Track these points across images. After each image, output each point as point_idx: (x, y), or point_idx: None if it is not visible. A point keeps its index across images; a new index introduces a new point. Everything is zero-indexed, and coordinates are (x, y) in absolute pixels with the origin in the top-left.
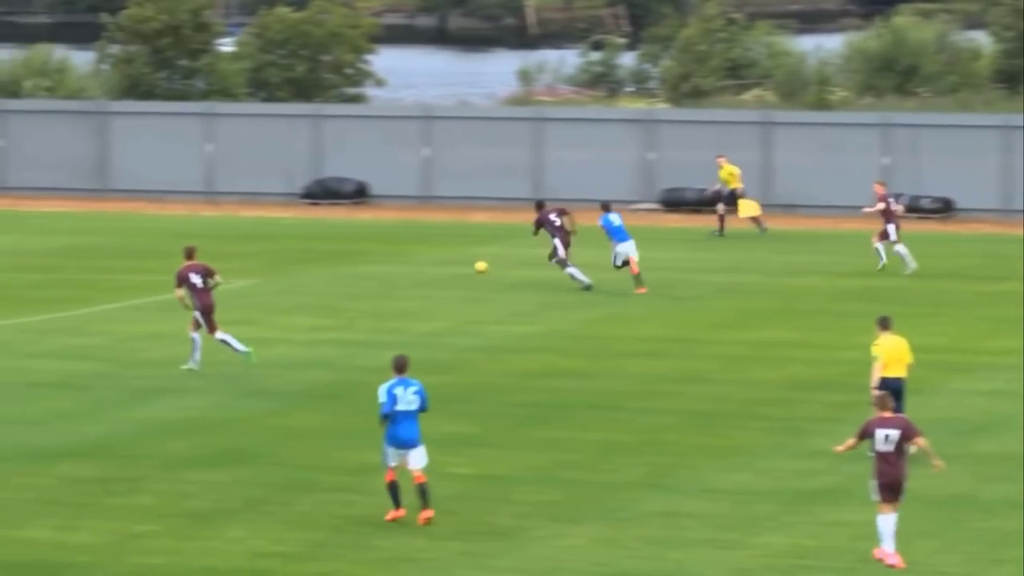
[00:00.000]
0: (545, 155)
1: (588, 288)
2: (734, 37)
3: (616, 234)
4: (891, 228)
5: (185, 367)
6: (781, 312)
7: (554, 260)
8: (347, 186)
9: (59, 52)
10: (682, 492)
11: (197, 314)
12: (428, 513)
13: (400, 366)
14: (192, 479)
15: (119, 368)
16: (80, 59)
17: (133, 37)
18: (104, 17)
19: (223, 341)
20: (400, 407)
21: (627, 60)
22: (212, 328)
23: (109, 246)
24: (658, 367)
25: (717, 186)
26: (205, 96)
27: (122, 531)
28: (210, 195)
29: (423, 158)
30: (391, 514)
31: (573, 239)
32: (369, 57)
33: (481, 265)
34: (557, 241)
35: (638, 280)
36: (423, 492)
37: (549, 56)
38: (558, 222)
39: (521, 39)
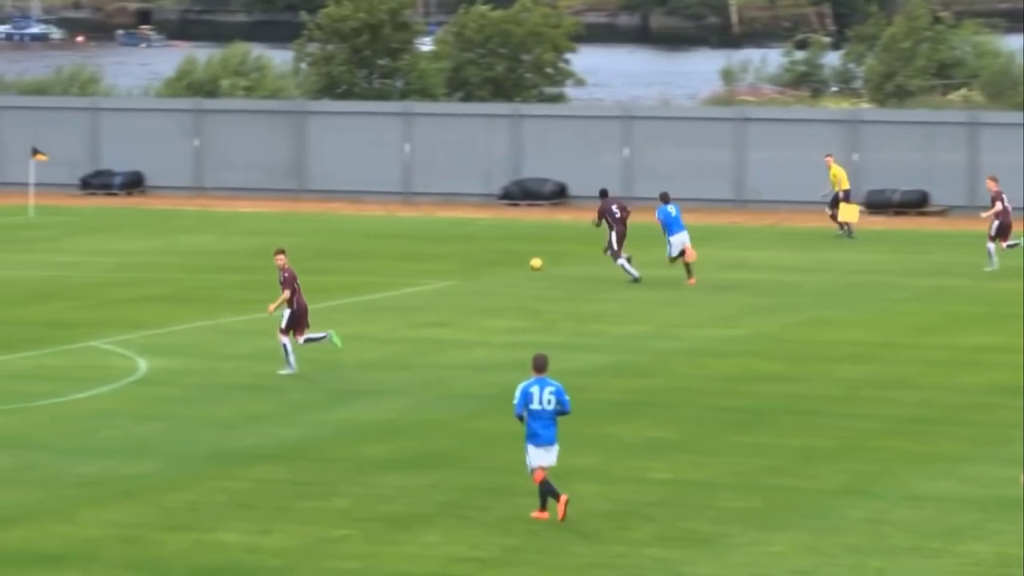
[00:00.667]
0: (747, 156)
1: (637, 281)
2: (940, 36)
3: (673, 225)
4: (998, 226)
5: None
6: (987, 316)
7: (608, 252)
8: (546, 187)
9: (257, 51)
10: (885, 499)
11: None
12: (564, 497)
13: (539, 366)
14: (387, 483)
15: (314, 370)
16: (278, 58)
17: (331, 36)
18: (302, 16)
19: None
20: (534, 406)
21: (831, 59)
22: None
23: (306, 247)
24: (862, 372)
25: (828, 188)
26: (403, 96)
27: (316, 535)
28: (407, 196)
29: (623, 159)
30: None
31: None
32: (570, 56)
33: (536, 262)
34: (613, 234)
35: (690, 270)
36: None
37: (752, 55)
38: (619, 214)
39: (724, 38)
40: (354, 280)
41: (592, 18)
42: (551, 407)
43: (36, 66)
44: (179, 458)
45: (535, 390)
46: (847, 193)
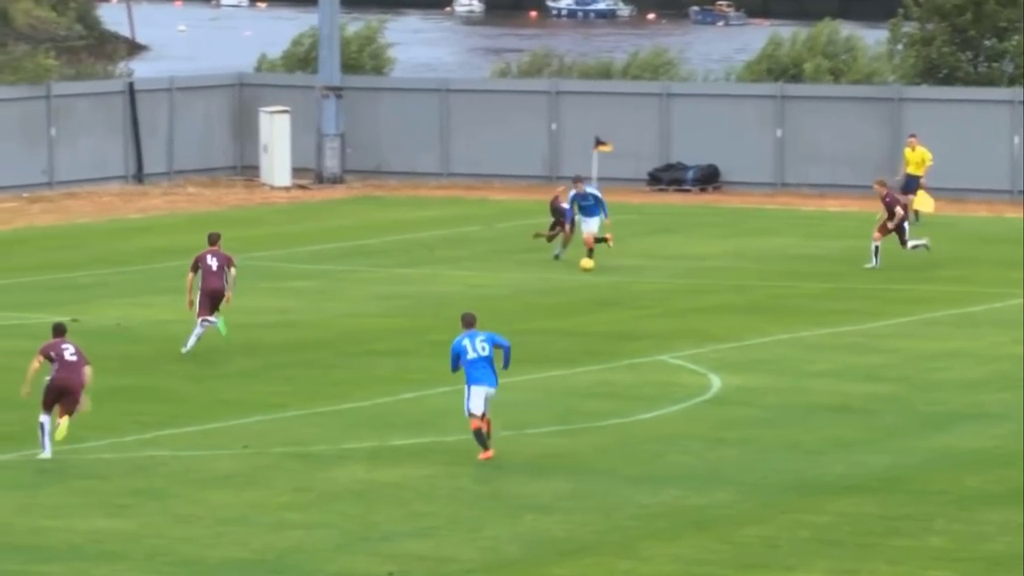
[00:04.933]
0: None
1: None
2: None
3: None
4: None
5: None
6: None
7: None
8: None
9: (847, 30)
10: None
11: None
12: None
13: (469, 321)
14: (989, 519)
15: (910, 391)
16: (871, 38)
17: (931, 14)
18: None
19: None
20: (470, 356)
21: None
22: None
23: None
24: None
25: (903, 174)
26: (1012, 82)
27: (909, 575)
28: (1016, 195)
29: None
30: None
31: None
32: None
33: (587, 263)
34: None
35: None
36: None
37: None
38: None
39: None
40: (954, 290)
41: None
42: (486, 353)
43: (601, 46)
44: (755, 488)
45: (467, 343)
46: (917, 179)
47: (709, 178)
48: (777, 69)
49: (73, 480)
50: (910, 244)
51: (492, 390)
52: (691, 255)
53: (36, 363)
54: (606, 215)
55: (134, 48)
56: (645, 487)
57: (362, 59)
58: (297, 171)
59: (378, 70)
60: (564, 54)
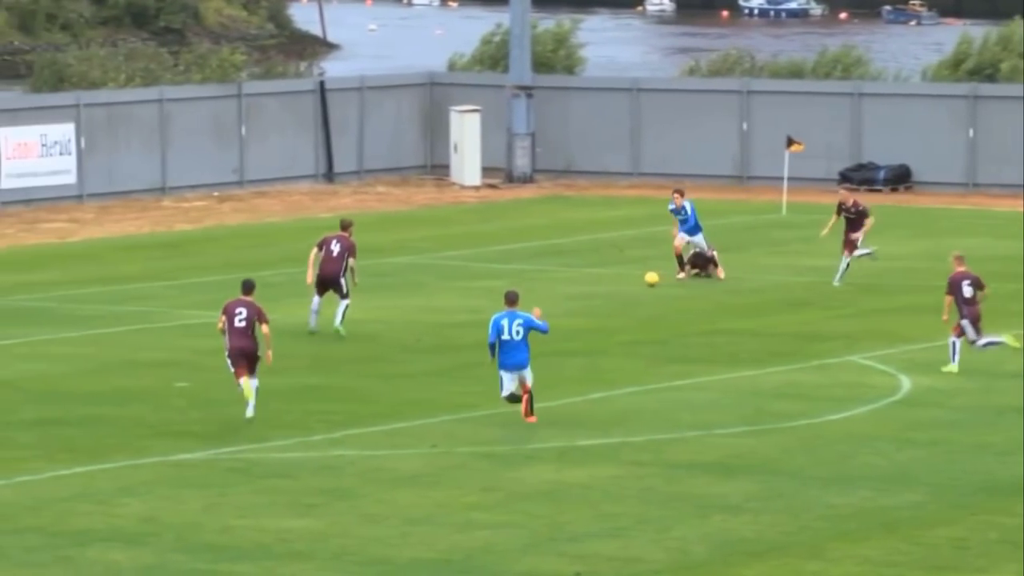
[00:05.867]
0: None
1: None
2: None
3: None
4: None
5: None
6: None
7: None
8: None
9: None
10: None
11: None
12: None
13: (511, 299)
14: None
15: None
16: None
17: None
18: None
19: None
20: (505, 337)
21: None
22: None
23: None
24: None
25: None
26: None
27: None
28: None
29: None
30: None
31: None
32: None
33: (652, 277)
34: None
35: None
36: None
37: None
38: None
39: None
40: None
41: None
42: (519, 337)
43: (792, 45)
44: (945, 489)
45: (505, 323)
46: None
47: (900, 178)
48: (971, 69)
49: (261, 479)
50: (859, 252)
51: (524, 371)
52: (882, 255)
53: (220, 323)
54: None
55: (325, 47)
56: (833, 488)
57: (555, 59)
58: (487, 170)
59: (570, 70)
60: (755, 53)
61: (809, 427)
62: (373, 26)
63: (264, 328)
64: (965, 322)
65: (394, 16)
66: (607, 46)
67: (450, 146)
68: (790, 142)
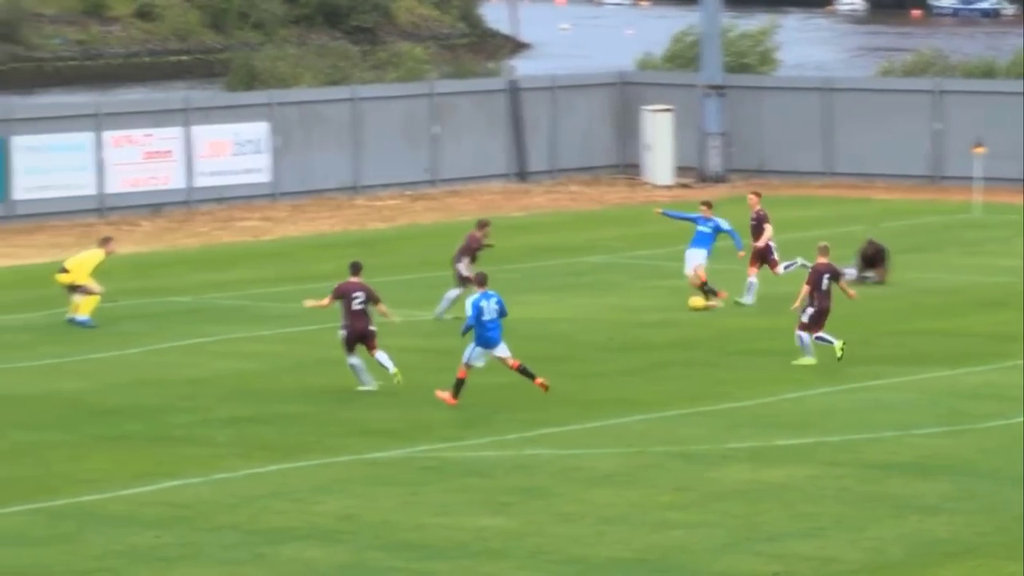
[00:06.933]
0: None
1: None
2: None
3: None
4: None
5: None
6: None
7: None
8: None
9: None
10: None
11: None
12: (540, 380)
13: (482, 281)
14: None
15: None
16: None
17: None
18: None
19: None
20: (485, 317)
21: None
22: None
23: None
24: None
25: None
26: None
27: None
28: None
29: None
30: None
31: None
32: None
33: (697, 302)
34: None
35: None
36: (526, 370)
37: None
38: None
39: None
40: None
41: None
42: (495, 316)
43: (984, 45)
44: None
45: (484, 304)
46: None
47: None
48: None
49: (455, 478)
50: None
51: (499, 347)
52: None
53: (326, 301)
54: (740, 247)
55: (516, 46)
56: None
57: (751, 59)
58: (680, 170)
59: (765, 70)
60: (949, 53)
61: (1006, 428)
62: (565, 25)
63: (381, 308)
64: (810, 311)
65: (586, 16)
66: (798, 46)
67: (641, 145)
68: (977, 144)
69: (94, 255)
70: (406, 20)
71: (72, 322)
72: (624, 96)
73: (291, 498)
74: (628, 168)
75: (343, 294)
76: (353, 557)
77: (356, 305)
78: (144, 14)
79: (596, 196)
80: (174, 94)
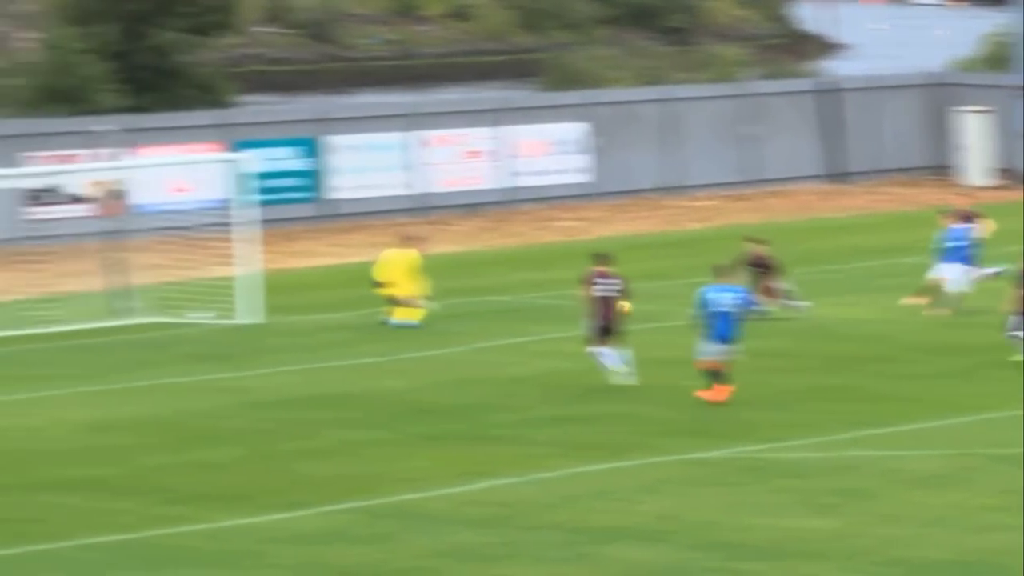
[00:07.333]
0: None
1: None
2: None
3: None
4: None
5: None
6: None
7: None
8: None
9: None
10: None
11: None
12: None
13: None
14: None
15: None
16: None
17: None
18: None
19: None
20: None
21: None
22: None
23: None
24: None
25: None
26: None
27: None
28: None
29: None
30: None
31: None
32: None
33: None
34: None
35: None
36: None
37: None
38: None
39: None
40: None
41: None
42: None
43: None
44: None
45: (713, 295)
46: None
47: None
48: None
49: (776, 479)
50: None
51: (729, 347)
52: None
53: (583, 290)
54: None
55: (828, 47)
56: None
57: None
58: (998, 171)
59: None
60: None
61: None
62: (882, 25)
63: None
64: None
65: (897, 16)
66: None
67: (954, 146)
68: None
69: (408, 256)
70: (720, 20)
71: (390, 324)
72: (939, 97)
73: (614, 497)
74: (940, 169)
75: (593, 284)
76: (676, 557)
77: (597, 293)
78: (459, 15)
79: (911, 197)
80: (489, 94)
